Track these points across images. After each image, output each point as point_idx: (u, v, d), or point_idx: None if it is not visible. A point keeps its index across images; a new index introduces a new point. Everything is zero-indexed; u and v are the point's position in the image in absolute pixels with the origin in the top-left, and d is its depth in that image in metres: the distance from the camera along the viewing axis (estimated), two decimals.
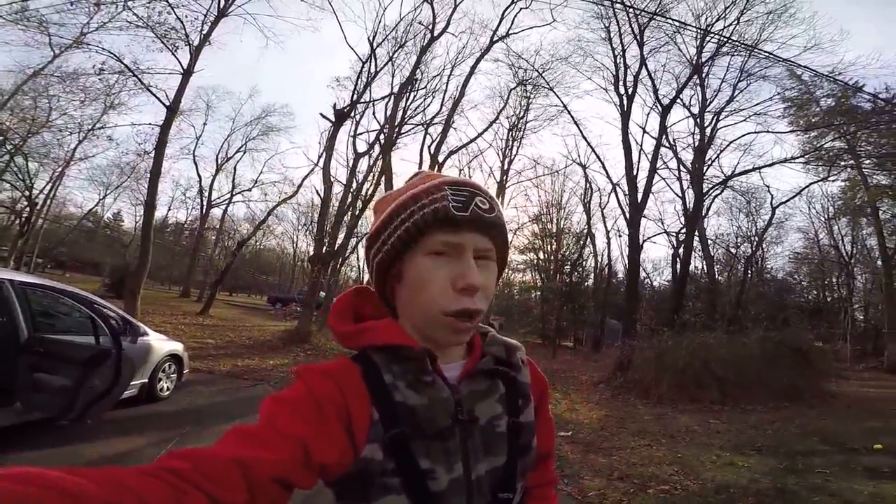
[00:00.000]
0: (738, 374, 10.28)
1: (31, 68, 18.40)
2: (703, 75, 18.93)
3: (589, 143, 31.03)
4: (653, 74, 18.51)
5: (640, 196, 17.24)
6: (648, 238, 25.62)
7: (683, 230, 20.37)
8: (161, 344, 6.59)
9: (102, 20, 15.15)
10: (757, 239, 26.93)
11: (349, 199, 19.66)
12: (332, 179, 19.00)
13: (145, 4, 14.59)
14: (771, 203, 23.99)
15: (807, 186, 23.07)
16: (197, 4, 15.39)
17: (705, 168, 19.53)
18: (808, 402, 9.82)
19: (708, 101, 19.34)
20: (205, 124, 32.08)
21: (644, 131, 19.63)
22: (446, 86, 20.44)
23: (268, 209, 28.53)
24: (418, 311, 0.69)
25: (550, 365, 15.72)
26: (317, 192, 20.98)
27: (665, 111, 18.11)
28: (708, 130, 19.42)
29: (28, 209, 23.41)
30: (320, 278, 16.70)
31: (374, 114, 20.89)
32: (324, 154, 18.71)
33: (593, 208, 28.15)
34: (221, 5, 15.82)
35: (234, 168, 32.09)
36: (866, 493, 4.11)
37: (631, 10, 15.89)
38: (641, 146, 19.32)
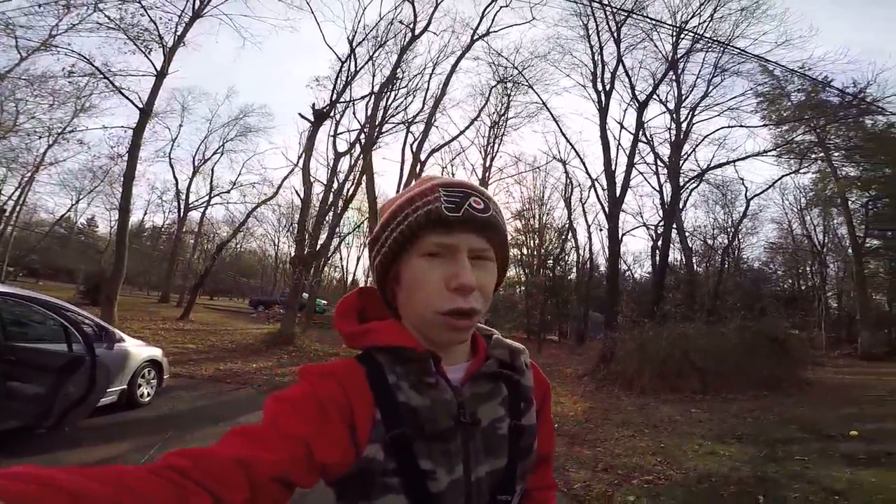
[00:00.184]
0: (718, 364, 10.49)
1: None
2: (679, 71, 19.24)
3: (568, 140, 31.32)
4: (630, 71, 18.78)
5: (618, 191, 17.47)
6: (628, 231, 26.04)
7: (662, 223, 20.71)
8: (139, 350, 6.52)
9: (72, 22, 14.72)
10: (733, 230, 27.56)
11: (330, 199, 19.50)
12: (313, 180, 18.84)
13: (117, 5, 14.25)
14: (745, 195, 24.56)
15: (779, 179, 23.72)
16: (171, 5, 15.13)
17: (681, 162, 19.90)
18: (786, 390, 10.06)
19: (683, 97, 19.69)
20: (180, 126, 31.48)
21: (622, 127, 19.88)
22: (428, 84, 20.41)
23: (247, 211, 28.18)
24: (414, 311, 0.69)
25: (536, 359, 15.34)
26: (296, 192, 20.75)
27: (642, 107, 18.36)
28: (684, 125, 19.78)
29: None
30: (302, 280, 16.54)
31: (354, 113, 20.78)
32: (303, 154, 18.52)
33: (574, 203, 28.48)
34: (196, 6, 15.54)
35: (212, 170, 31.59)
36: (844, 479, 4.21)
37: (608, 7, 16.06)
38: (619, 141, 19.56)
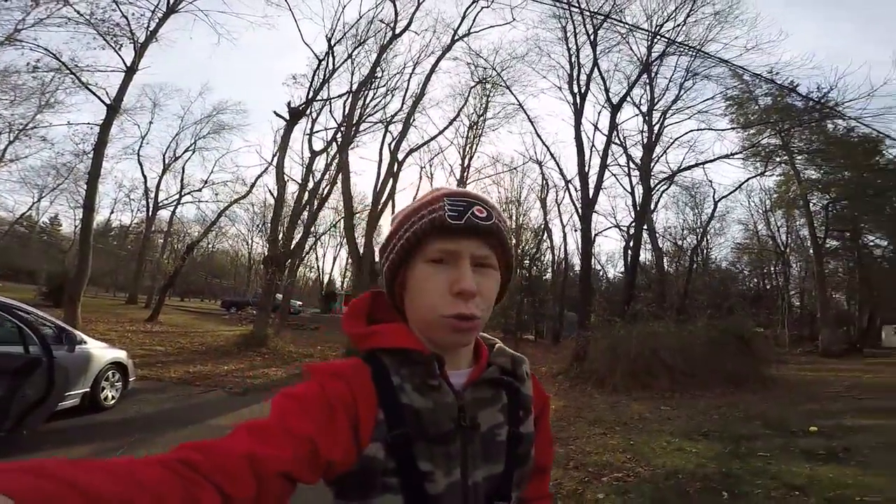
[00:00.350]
0: (686, 362, 10.74)
1: None
2: (653, 75, 19.67)
3: (543, 141, 31.70)
4: (604, 74, 19.04)
5: (591, 192, 17.75)
6: (600, 232, 26.49)
7: (633, 224, 21.11)
8: (102, 352, 6.40)
9: (40, 16, 14.21)
10: (701, 231, 28.36)
11: (305, 198, 19.28)
12: (287, 178, 18.58)
13: (88, 0, 13.85)
14: (713, 197, 25.32)
15: (746, 181, 24.51)
16: (144, 0, 14.73)
17: (653, 164, 20.33)
18: (751, 387, 10.37)
19: (656, 100, 20.13)
20: (151, 123, 30.44)
21: (596, 128, 20.20)
22: (407, 83, 20.29)
23: (219, 210, 27.61)
24: (419, 314, 0.71)
25: None
26: (270, 192, 20.43)
27: (615, 109, 18.68)
28: (656, 128, 20.21)
29: None
30: (275, 280, 16.30)
31: (331, 112, 20.56)
32: (278, 153, 18.24)
33: (550, 204, 28.83)
34: (171, 2, 15.19)
35: (183, 168, 30.84)
36: (804, 475, 4.34)
37: (586, 11, 16.27)
38: (593, 143, 19.85)
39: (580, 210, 18.38)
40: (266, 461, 0.54)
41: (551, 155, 24.99)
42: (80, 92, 16.08)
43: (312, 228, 27.31)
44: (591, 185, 17.72)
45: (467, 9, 18.65)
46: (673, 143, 21.19)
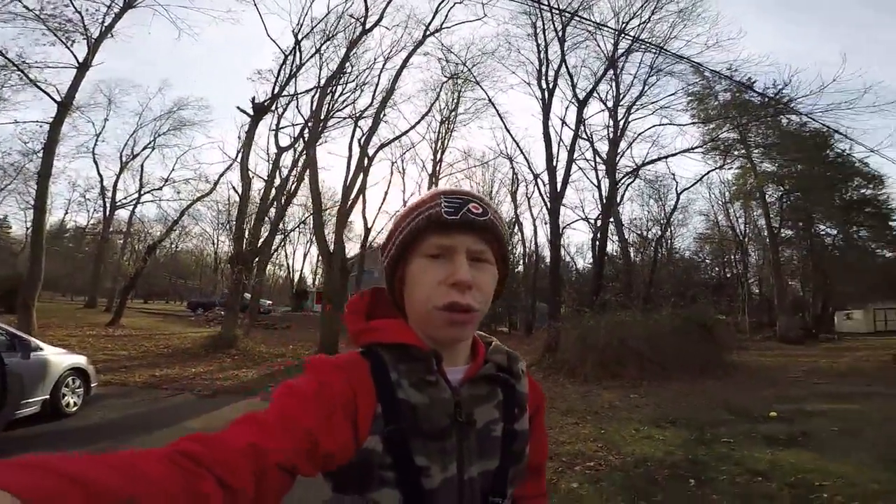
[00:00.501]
0: (653, 350, 11.05)
1: None
2: (618, 71, 20.08)
3: (513, 137, 32.07)
4: (572, 70, 19.32)
5: (559, 186, 18.03)
6: (568, 225, 26.98)
7: (601, 216, 21.56)
8: (60, 358, 6.31)
9: None
10: (665, 222, 29.23)
11: (272, 195, 18.89)
12: (252, 175, 18.16)
13: None
14: (676, 189, 26.08)
15: (706, 174, 25.36)
16: None
17: (618, 158, 20.79)
18: (715, 373, 10.78)
19: (621, 96, 20.58)
20: (106, 120, 29.06)
21: (563, 123, 20.49)
22: (378, 79, 19.97)
23: (182, 209, 26.77)
24: (415, 308, 0.72)
25: None
26: (234, 189, 19.93)
27: (582, 105, 19.00)
28: (621, 123, 20.67)
29: None
30: (243, 279, 15.95)
31: (298, 107, 20.16)
32: (242, 149, 17.81)
33: (520, 198, 29.21)
34: None
35: (142, 166, 29.66)
36: (765, 460, 4.55)
37: (554, 9, 16.43)
38: (561, 138, 20.15)
39: (549, 203, 18.67)
40: (266, 453, 0.54)
41: (520, 150, 25.28)
42: (27, 89, 15.33)
43: (280, 225, 26.82)
44: (560, 179, 18.02)
45: (439, 4, 18.56)
46: (637, 137, 21.73)
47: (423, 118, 22.87)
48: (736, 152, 22.65)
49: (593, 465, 4.67)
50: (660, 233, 28.96)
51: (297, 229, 38.45)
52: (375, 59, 20.05)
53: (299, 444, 0.58)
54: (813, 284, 28.15)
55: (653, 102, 20.62)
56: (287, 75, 17.84)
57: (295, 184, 21.26)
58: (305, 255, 48.64)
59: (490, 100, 21.22)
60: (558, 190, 17.95)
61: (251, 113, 16.64)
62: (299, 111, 20.61)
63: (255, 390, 9.05)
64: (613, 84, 20.46)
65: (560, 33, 17.99)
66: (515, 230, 30.16)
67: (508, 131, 28.09)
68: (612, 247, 26.05)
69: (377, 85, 19.81)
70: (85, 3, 13.78)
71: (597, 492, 3.95)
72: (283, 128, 20.19)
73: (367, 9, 17.57)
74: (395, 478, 0.65)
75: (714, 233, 33.36)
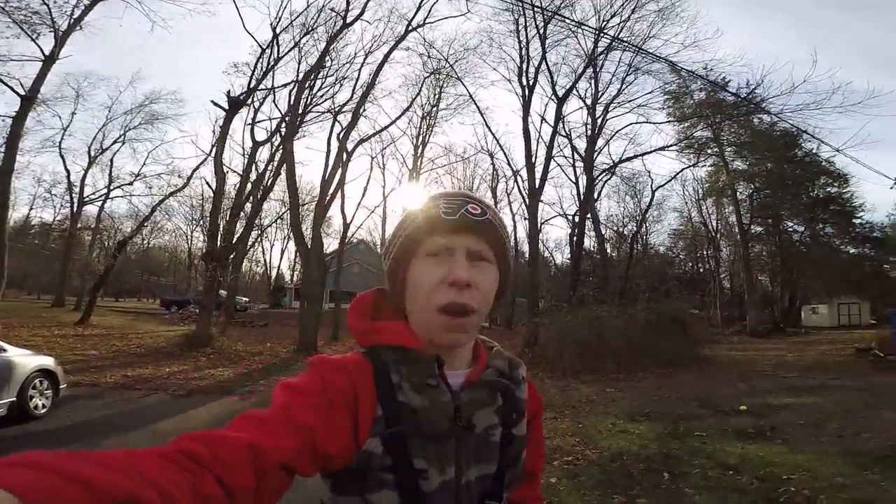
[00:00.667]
0: (629, 344, 11.29)
1: None
2: (598, 69, 20.32)
3: (493, 133, 32.02)
4: (552, 67, 19.46)
5: (538, 182, 18.19)
6: (546, 220, 27.29)
7: (578, 212, 21.85)
8: (25, 359, 6.17)
9: None
10: (640, 218, 29.83)
11: (248, 190, 18.57)
12: (227, 170, 17.83)
13: None
14: (651, 186, 26.66)
15: (680, 171, 26.02)
16: None
17: (596, 155, 21.09)
18: (688, 367, 11.04)
19: (600, 94, 20.87)
20: (73, 114, 28.01)
21: (543, 120, 20.66)
22: (358, 73, 19.70)
23: (153, 204, 26.09)
24: (416, 309, 0.72)
25: None
26: (208, 184, 19.52)
27: (561, 102, 19.16)
28: (599, 121, 20.94)
29: None
30: (217, 276, 15.66)
31: (275, 101, 19.79)
32: (216, 144, 17.44)
33: (500, 194, 29.36)
34: None
35: (111, 160, 28.73)
36: (736, 454, 4.66)
37: (537, 7, 16.47)
38: (540, 134, 20.32)
39: (527, 199, 18.82)
40: (266, 452, 0.54)
41: (500, 146, 25.44)
42: None
43: (257, 221, 26.40)
44: (538, 176, 18.17)
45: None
46: (614, 135, 22.10)
47: (403, 113, 22.74)
48: (709, 150, 23.25)
49: (571, 459, 4.74)
50: (635, 229, 29.54)
51: (275, 225, 37.94)
52: (356, 54, 19.82)
53: (300, 444, 0.58)
54: (781, 279, 29.07)
55: (630, 101, 21.00)
56: (264, 69, 17.54)
57: (271, 179, 20.96)
58: (283, 251, 48.07)
59: (471, 96, 21.23)
60: (537, 186, 18.12)
61: (226, 107, 16.30)
62: (276, 105, 20.33)
63: (232, 389, 8.93)
64: (592, 82, 20.75)
65: (541, 31, 18.10)
66: None
67: (489, 128, 28.18)
68: (589, 242, 26.51)
69: (357, 79, 19.61)
70: None
71: (574, 487, 4.01)
72: (259, 122, 19.88)
73: (348, 2, 17.36)
74: (394, 480, 0.65)
75: (687, 229, 34.19)
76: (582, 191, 21.26)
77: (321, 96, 19.79)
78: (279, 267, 49.90)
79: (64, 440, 5.14)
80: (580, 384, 9.52)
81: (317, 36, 18.35)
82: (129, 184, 27.99)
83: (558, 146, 20.67)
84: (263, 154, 20.28)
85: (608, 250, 28.19)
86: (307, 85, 18.22)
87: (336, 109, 19.73)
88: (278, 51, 17.61)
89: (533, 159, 18.19)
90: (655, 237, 36.11)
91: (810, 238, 27.11)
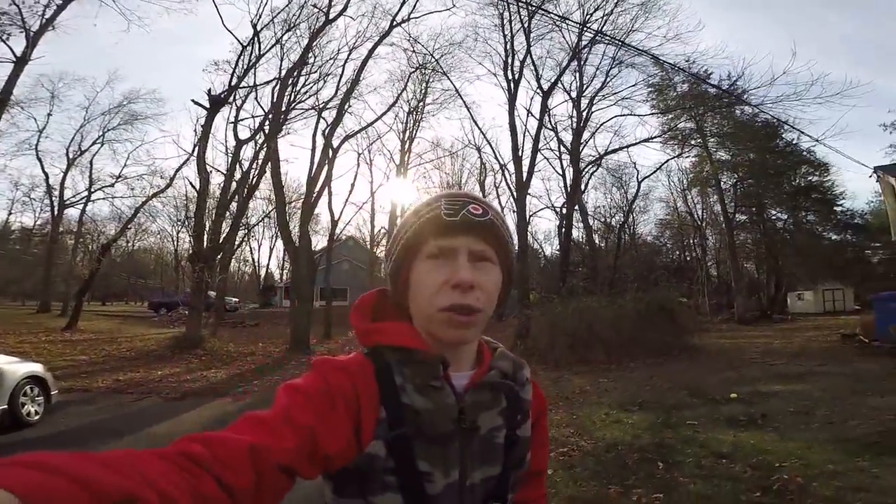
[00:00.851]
0: (619, 335, 11.38)
1: None
2: (582, 62, 20.39)
3: (479, 127, 32.09)
4: (537, 61, 19.52)
5: (525, 175, 18.26)
6: (535, 213, 27.44)
7: (566, 204, 21.98)
8: (14, 366, 6.15)
9: None
10: (627, 209, 30.22)
11: (232, 189, 18.36)
12: (210, 169, 17.61)
13: None
14: (637, 178, 27.00)
15: (665, 162, 26.40)
16: None
17: (582, 148, 21.21)
18: (678, 356, 11.16)
19: (584, 87, 20.98)
20: (49, 115, 27.40)
21: (529, 113, 20.71)
22: (342, 69, 19.55)
23: (136, 206, 25.65)
24: (420, 310, 0.72)
25: None
26: (191, 184, 19.23)
27: (546, 95, 19.21)
28: (584, 114, 21.05)
29: None
30: (205, 277, 15.51)
31: (257, 99, 19.56)
32: (198, 143, 17.20)
33: (488, 187, 29.43)
34: None
35: (91, 162, 28.18)
36: (728, 442, 4.72)
37: (521, 1, 16.43)
38: (526, 128, 20.37)
39: (515, 192, 18.89)
40: (267, 452, 0.54)
41: (487, 140, 25.42)
42: None
43: (243, 220, 26.11)
44: (525, 169, 18.23)
45: None
46: (600, 127, 22.27)
47: (389, 109, 22.63)
48: (693, 142, 23.56)
49: (566, 450, 4.78)
50: (623, 219, 29.85)
51: (262, 223, 37.61)
52: (339, 50, 19.68)
53: (301, 445, 0.58)
54: (766, 267, 29.53)
55: (615, 93, 21.18)
56: (245, 66, 17.33)
57: (256, 177, 20.75)
58: (271, 250, 47.74)
59: (457, 90, 21.24)
60: (524, 179, 18.19)
61: (207, 105, 16.10)
62: (259, 103, 20.09)
63: (226, 391, 8.89)
64: (577, 75, 20.86)
65: (526, 24, 18.11)
66: None
67: (475, 122, 28.22)
68: (577, 234, 26.70)
69: (341, 76, 19.48)
70: None
71: (570, 478, 4.05)
72: (242, 120, 19.66)
73: None
74: (398, 482, 0.65)
75: (673, 218, 34.58)
76: (569, 183, 21.41)
77: (305, 93, 19.67)
78: (268, 266, 49.60)
79: (59, 446, 5.06)
80: (573, 375, 9.60)
81: (299, 32, 18.20)
82: (110, 185, 27.52)
83: (545, 139, 20.81)
84: (247, 152, 20.10)
85: (596, 241, 28.47)
86: (290, 82, 18.07)
87: (320, 106, 19.61)
88: (260, 48, 17.44)
89: (520, 153, 18.25)
90: (643, 227, 36.63)
91: (793, 225, 27.58)
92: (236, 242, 30.09)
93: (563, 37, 19.49)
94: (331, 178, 19.90)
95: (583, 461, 4.46)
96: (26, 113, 24.52)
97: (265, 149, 18.02)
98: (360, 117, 24.73)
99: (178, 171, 24.68)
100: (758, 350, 11.90)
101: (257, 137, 19.52)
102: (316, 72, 19.44)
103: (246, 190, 19.78)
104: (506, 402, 0.75)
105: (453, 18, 49.97)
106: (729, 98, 18.52)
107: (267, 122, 18.31)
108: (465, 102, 21.83)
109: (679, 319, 12.74)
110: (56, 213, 27.52)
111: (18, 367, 6.17)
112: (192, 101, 16.52)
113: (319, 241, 30.82)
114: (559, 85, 20.08)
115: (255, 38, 17.08)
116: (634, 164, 26.65)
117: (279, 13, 17.53)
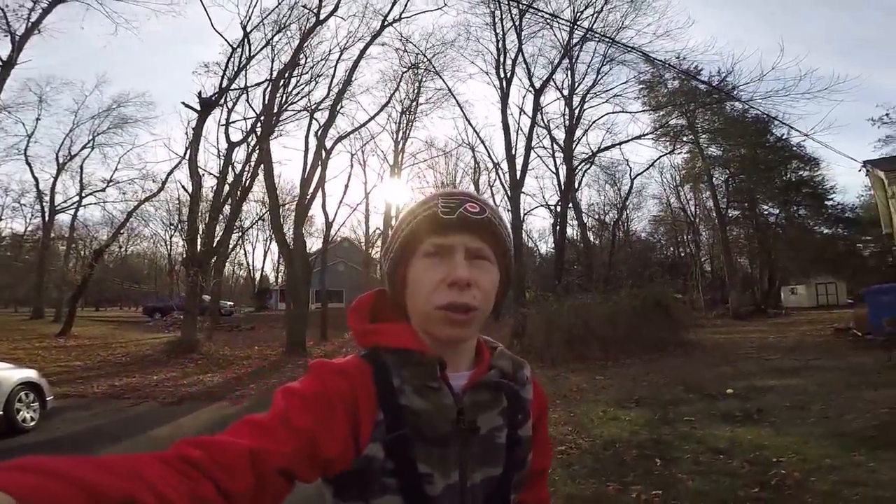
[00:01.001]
0: (615, 331, 11.40)
1: None
2: (573, 60, 20.43)
3: (472, 126, 31.91)
4: (528, 59, 19.54)
5: (518, 173, 18.30)
6: (529, 211, 27.45)
7: (560, 202, 22.05)
8: (8, 373, 6.19)
9: None
10: (621, 206, 30.38)
11: (225, 192, 18.28)
12: (202, 172, 17.53)
13: None
14: (630, 175, 27.11)
15: (658, 159, 26.52)
16: None
17: (574, 145, 21.27)
18: (673, 351, 11.22)
19: (576, 85, 21.01)
20: (38, 119, 27.10)
21: (522, 111, 20.74)
22: (334, 70, 19.44)
23: (128, 210, 25.47)
24: (417, 309, 0.71)
25: None
26: (183, 187, 19.15)
27: (538, 93, 19.26)
28: (576, 111, 21.10)
29: None
30: (199, 281, 15.43)
31: (249, 101, 19.45)
32: (190, 146, 17.12)
33: (482, 186, 29.43)
34: None
35: (81, 167, 27.91)
36: (725, 438, 4.74)
37: (512, 1, 16.45)
38: (519, 126, 20.41)
39: (509, 191, 18.92)
40: (265, 456, 0.54)
41: (480, 139, 25.34)
42: None
43: (237, 223, 25.99)
44: (519, 167, 18.27)
45: None
46: (592, 125, 22.31)
47: (382, 109, 22.59)
48: (684, 138, 23.66)
49: (564, 448, 4.77)
50: (616, 216, 29.98)
51: (256, 226, 37.41)
52: (331, 51, 19.58)
53: (299, 448, 0.57)
54: (760, 261, 29.74)
55: (606, 91, 21.21)
56: (236, 68, 17.25)
57: (249, 179, 20.67)
58: (266, 253, 47.70)
59: (450, 90, 21.22)
60: (518, 177, 18.22)
61: (198, 108, 16.03)
62: (250, 105, 19.96)
63: (223, 395, 8.87)
64: (568, 73, 20.89)
65: (517, 23, 18.14)
66: None
67: (468, 121, 28.10)
68: (571, 231, 26.75)
69: (333, 76, 19.40)
70: None
71: (569, 475, 4.04)
72: (233, 122, 19.56)
73: None
74: (398, 485, 0.65)
75: (667, 215, 34.73)
76: (562, 181, 21.45)
77: (297, 94, 19.57)
78: (263, 269, 49.40)
79: (56, 452, 5.01)
80: (569, 373, 9.61)
81: (290, 34, 18.12)
82: (101, 190, 27.27)
83: (538, 137, 20.86)
84: (240, 155, 19.99)
85: (591, 238, 28.56)
86: (282, 83, 18.00)
87: (313, 107, 19.52)
88: (250, 49, 17.37)
89: (513, 151, 18.30)
90: (636, 224, 36.83)
91: (785, 220, 27.80)
92: (230, 246, 29.99)
93: (555, 34, 19.57)
94: (324, 179, 19.86)
95: (581, 459, 4.47)
96: (14, 117, 24.32)
97: (258, 151, 17.95)
98: (352, 118, 24.58)
99: (169, 174, 24.56)
100: (753, 345, 11.96)
101: (249, 139, 19.44)
102: (307, 73, 19.36)
103: (239, 192, 19.69)
104: (506, 402, 0.75)
105: (445, 17, 50.07)
106: (719, 94, 18.63)
107: (259, 124, 18.24)
108: (458, 101, 21.83)
109: (674, 315, 12.80)
110: (47, 218, 27.29)
111: (13, 374, 6.18)
112: (183, 103, 16.46)
113: (314, 243, 30.78)
114: (551, 83, 20.17)
115: (246, 40, 17.02)
116: (627, 161, 26.71)
117: (269, 14, 17.46)
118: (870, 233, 26.08)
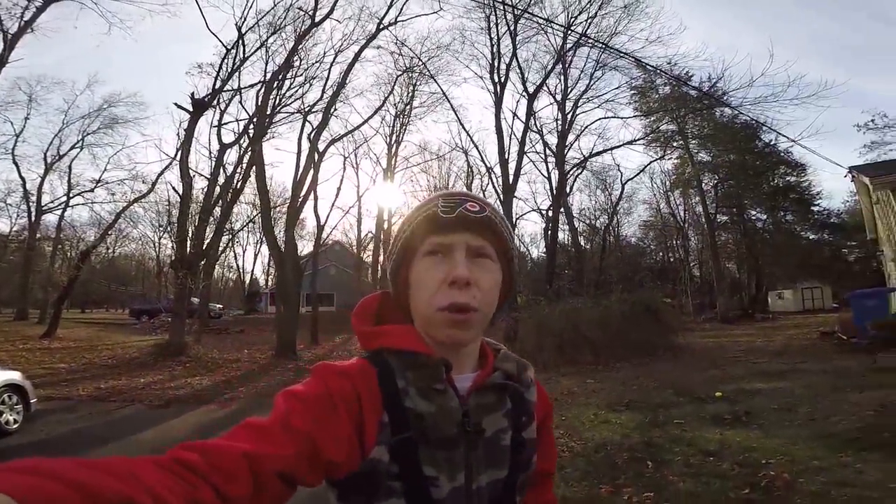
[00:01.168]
0: (605, 335, 11.48)
1: None
2: (566, 65, 20.58)
3: (466, 131, 32.10)
4: (523, 64, 19.70)
5: (511, 178, 18.37)
6: (521, 216, 27.55)
7: (551, 207, 22.15)
8: None
9: None
10: (612, 211, 30.54)
11: (216, 194, 18.15)
12: (193, 174, 17.42)
13: None
14: (621, 180, 27.33)
15: (648, 164, 26.82)
16: None
17: (567, 150, 21.41)
18: (663, 355, 11.30)
19: (569, 90, 21.16)
20: (27, 119, 26.76)
21: (515, 116, 20.84)
22: (328, 73, 19.40)
23: (117, 211, 25.18)
24: (418, 309, 0.71)
25: None
26: (174, 189, 18.98)
27: (532, 98, 19.37)
28: (568, 117, 21.25)
29: None
30: (188, 284, 15.28)
31: (241, 102, 19.32)
32: (181, 147, 16.99)
33: (475, 190, 29.38)
34: None
35: (69, 167, 27.60)
36: (715, 440, 4.79)
37: (507, 4, 16.55)
38: (513, 130, 20.50)
39: (502, 195, 18.99)
40: (265, 460, 0.53)
41: (473, 143, 25.44)
42: None
43: (227, 225, 25.78)
44: (511, 172, 18.34)
45: None
46: (584, 130, 22.48)
47: (376, 112, 22.56)
48: (675, 144, 23.95)
49: (556, 451, 4.80)
50: (607, 221, 30.19)
51: (246, 228, 37.13)
52: (325, 53, 19.55)
53: (300, 452, 0.57)
54: (747, 266, 30.09)
55: (598, 96, 21.42)
56: (229, 69, 17.18)
57: (241, 181, 20.52)
58: (256, 256, 47.07)
59: (444, 93, 21.29)
60: (511, 182, 18.29)
61: (190, 109, 15.92)
62: (243, 106, 19.87)
63: (211, 398, 8.78)
64: (562, 78, 21.03)
65: (512, 28, 18.25)
66: None
67: (462, 125, 28.21)
68: (563, 236, 26.89)
69: (327, 79, 19.36)
70: None
71: (561, 478, 4.04)
72: (225, 124, 19.43)
73: (316, 1, 17.11)
74: (403, 487, 0.64)
75: (657, 220, 35.05)
76: (554, 185, 21.57)
77: (290, 96, 19.51)
78: (253, 272, 48.92)
79: (41, 454, 4.91)
80: (560, 377, 9.64)
81: (284, 35, 18.07)
82: (89, 191, 26.88)
83: (530, 142, 20.97)
84: (232, 156, 19.85)
85: (582, 243, 28.71)
86: (275, 85, 17.93)
87: (306, 110, 19.47)
88: (244, 51, 17.29)
89: (506, 156, 18.39)
90: (627, 229, 37.13)
91: (773, 225, 28.20)
92: (220, 248, 29.71)
93: (549, 40, 19.73)
94: (317, 182, 19.77)
95: (573, 462, 4.48)
96: (2, 117, 24.02)
97: (250, 153, 17.84)
98: (346, 121, 24.57)
99: (160, 175, 24.30)
100: (741, 348, 12.10)
101: (241, 141, 19.32)
102: (301, 75, 19.31)
103: (230, 194, 19.54)
104: (510, 404, 0.75)
105: (440, 21, 50.22)
106: (709, 100, 18.87)
107: (251, 126, 18.15)
108: (452, 105, 21.92)
109: (663, 319, 12.90)
110: (33, 218, 26.89)
111: None
112: (175, 104, 16.33)
113: (305, 246, 30.62)
114: (544, 88, 20.32)
115: (240, 41, 16.94)
116: (618, 166, 26.99)
117: (264, 16, 17.41)
118: (855, 238, 26.54)
